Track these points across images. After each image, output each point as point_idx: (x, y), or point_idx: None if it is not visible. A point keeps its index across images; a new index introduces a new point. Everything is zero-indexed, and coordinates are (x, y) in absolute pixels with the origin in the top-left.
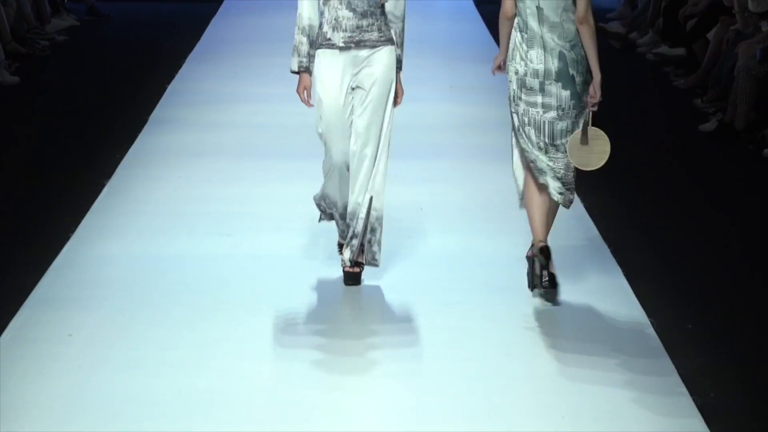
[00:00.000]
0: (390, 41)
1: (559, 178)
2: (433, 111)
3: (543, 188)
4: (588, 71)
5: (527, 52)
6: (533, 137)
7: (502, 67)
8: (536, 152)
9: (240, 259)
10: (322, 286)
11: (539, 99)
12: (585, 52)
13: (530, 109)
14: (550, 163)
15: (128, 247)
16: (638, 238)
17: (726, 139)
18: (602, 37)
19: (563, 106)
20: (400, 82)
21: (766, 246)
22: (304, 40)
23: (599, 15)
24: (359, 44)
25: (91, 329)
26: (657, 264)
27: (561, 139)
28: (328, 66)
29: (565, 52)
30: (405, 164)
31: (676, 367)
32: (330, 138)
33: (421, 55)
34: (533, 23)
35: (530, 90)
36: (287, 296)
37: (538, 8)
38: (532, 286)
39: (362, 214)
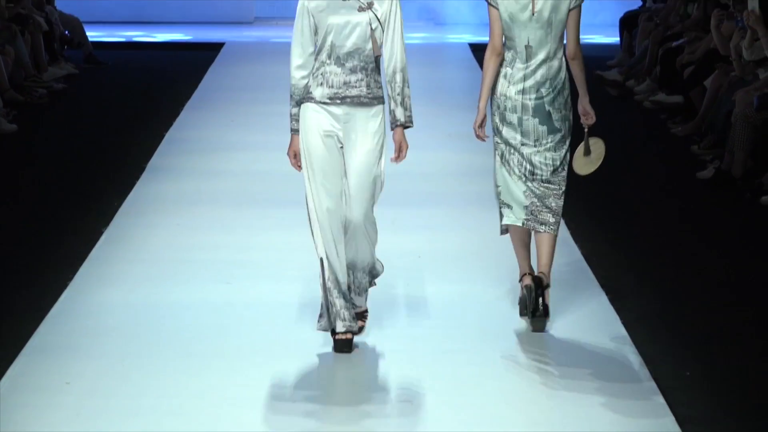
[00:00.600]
0: (378, 100)
1: (539, 210)
2: (431, 158)
3: (515, 215)
4: (565, 107)
5: (508, 87)
6: (515, 168)
7: (482, 126)
8: (517, 181)
9: (238, 307)
10: (320, 334)
11: (518, 133)
12: (567, 86)
13: (510, 140)
14: (519, 191)
15: (126, 295)
16: (636, 285)
17: (723, 186)
18: (600, 85)
19: (540, 140)
20: (405, 138)
21: (763, 292)
22: (291, 102)
23: (597, 63)
24: (344, 101)
25: (90, 378)
26: (655, 310)
27: (540, 170)
28: (312, 116)
29: (543, 90)
30: (403, 211)
31: (680, 422)
32: (317, 182)
33: (419, 103)
34: (519, 60)
35: (509, 124)
36: (285, 345)
37: (527, 47)
38: (522, 312)
39: (352, 278)
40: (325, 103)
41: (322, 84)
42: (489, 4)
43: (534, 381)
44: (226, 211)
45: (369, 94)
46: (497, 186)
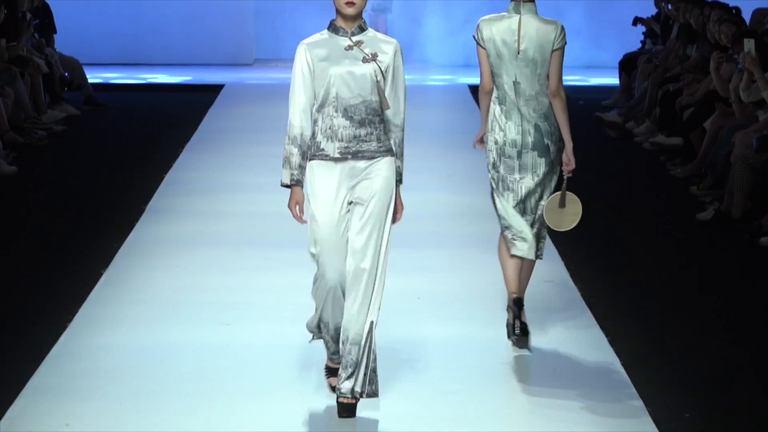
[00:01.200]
0: (389, 152)
1: (527, 240)
2: (430, 200)
3: (526, 254)
4: (561, 140)
5: (506, 123)
6: (510, 200)
7: (483, 141)
8: (511, 213)
9: (237, 349)
10: (320, 376)
11: (516, 166)
12: (557, 123)
13: (508, 175)
14: (522, 224)
15: (125, 336)
16: (635, 327)
17: (723, 228)
18: (599, 127)
19: (538, 172)
20: (400, 196)
21: (762, 333)
22: (295, 151)
23: (596, 105)
24: (356, 155)
25: (89, 419)
26: (655, 352)
27: (532, 202)
28: (323, 179)
29: (540, 123)
30: (402, 253)
31: None
32: (324, 257)
33: (418, 144)
34: (511, 96)
35: (508, 158)
36: (284, 386)
37: (515, 83)
38: (509, 335)
39: (363, 341)
40: (336, 158)
41: (331, 139)
42: (477, 43)
43: (535, 424)
44: (226, 253)
45: (380, 147)
46: (503, 219)
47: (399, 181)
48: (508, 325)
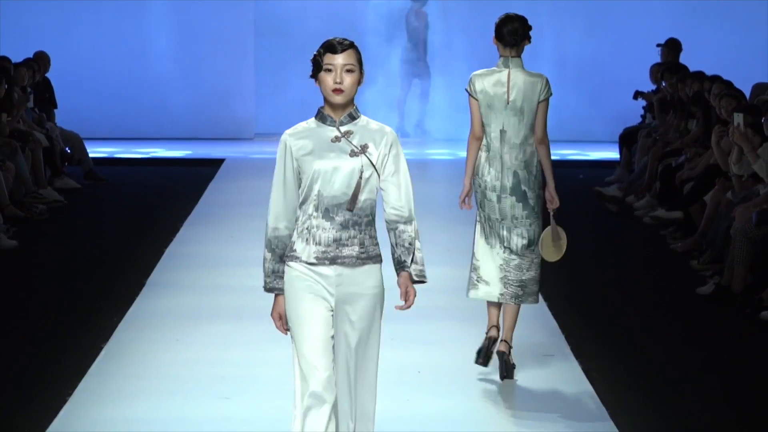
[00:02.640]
0: (374, 259)
1: (490, 283)
2: (430, 274)
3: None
4: (540, 187)
5: (489, 169)
6: (494, 241)
7: (467, 203)
8: (485, 257)
9: (237, 423)
10: None
11: (497, 209)
12: (539, 169)
13: (491, 215)
14: (492, 270)
15: (126, 410)
16: (637, 401)
17: (723, 302)
18: (599, 201)
19: (516, 216)
20: (412, 284)
21: (764, 409)
22: (268, 255)
23: (597, 180)
24: (334, 261)
25: None
26: (656, 427)
27: (514, 243)
28: (298, 284)
29: (519, 171)
30: (402, 326)
31: None
32: (310, 363)
33: (418, 218)
34: (496, 144)
35: (489, 201)
36: None
37: (502, 131)
38: (477, 361)
39: None
40: (312, 263)
41: (308, 241)
42: (470, 95)
43: None
44: (226, 327)
45: (363, 253)
46: (476, 259)
47: (416, 280)
48: (479, 351)
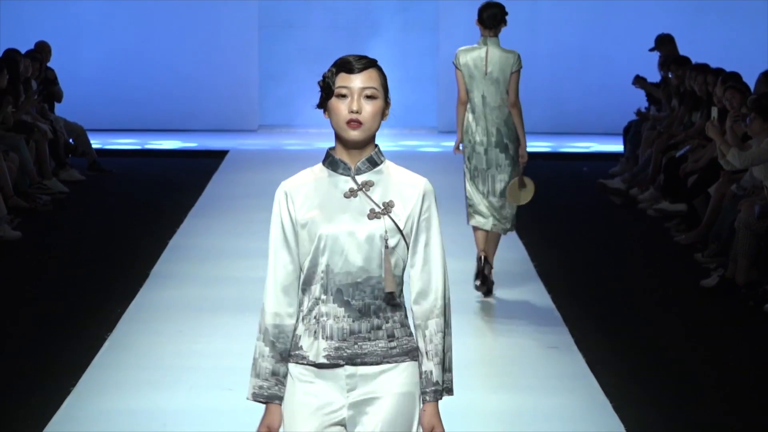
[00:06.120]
0: (409, 354)
1: (495, 216)
2: None
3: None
4: (517, 141)
5: (476, 127)
6: (479, 186)
7: (460, 149)
8: (480, 197)
9: (240, 414)
10: None
11: (484, 161)
12: (515, 126)
13: (478, 166)
14: (488, 205)
15: (129, 401)
16: (640, 394)
17: (727, 295)
18: (603, 194)
19: (500, 164)
20: (438, 415)
21: (767, 401)
22: (266, 350)
23: (601, 173)
24: (353, 360)
25: None
26: (659, 420)
27: (498, 186)
28: (302, 394)
29: (501, 128)
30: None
31: None
32: None
33: None
34: (479, 107)
35: (478, 153)
36: None
37: (483, 97)
38: (476, 280)
39: None
40: (321, 365)
41: (316, 334)
42: (456, 67)
43: None
44: (230, 318)
45: (394, 349)
46: (469, 199)
47: (441, 394)
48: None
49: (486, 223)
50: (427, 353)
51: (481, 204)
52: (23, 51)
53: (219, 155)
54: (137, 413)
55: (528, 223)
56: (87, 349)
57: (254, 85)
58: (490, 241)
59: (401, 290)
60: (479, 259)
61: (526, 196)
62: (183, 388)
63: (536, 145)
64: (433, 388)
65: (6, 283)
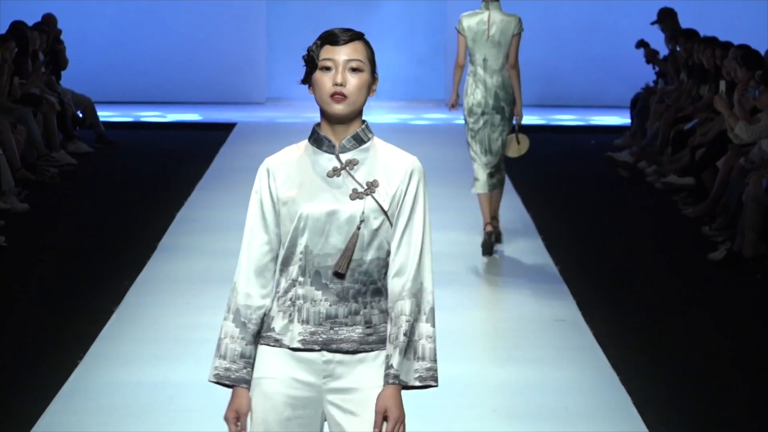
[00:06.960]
0: (385, 342)
1: (491, 174)
2: (440, 239)
3: (483, 186)
4: (512, 103)
5: (474, 90)
6: (477, 145)
7: (455, 105)
8: (479, 154)
9: None
10: None
11: (481, 121)
12: (512, 89)
13: (476, 126)
14: (486, 162)
15: (136, 373)
16: (647, 366)
17: (735, 268)
18: (611, 167)
19: (496, 125)
20: (399, 400)
21: None
22: (236, 332)
23: (609, 146)
24: (329, 345)
25: None
26: (667, 393)
27: (494, 145)
28: (273, 383)
29: (499, 91)
30: None
31: None
32: None
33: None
34: (480, 71)
35: (475, 114)
36: None
37: (485, 60)
38: (483, 252)
39: None
40: (296, 348)
41: (291, 317)
42: (459, 32)
43: None
44: None
45: (371, 336)
46: (472, 156)
47: (425, 386)
48: (483, 244)
49: (484, 185)
50: (389, 336)
51: (479, 170)
52: (30, 23)
53: (227, 128)
54: (144, 385)
55: (535, 196)
56: (94, 321)
57: (262, 58)
58: (494, 201)
59: (385, 273)
60: (487, 233)
61: (521, 149)
62: (190, 360)
63: (531, 119)
64: (390, 371)
65: (13, 255)
